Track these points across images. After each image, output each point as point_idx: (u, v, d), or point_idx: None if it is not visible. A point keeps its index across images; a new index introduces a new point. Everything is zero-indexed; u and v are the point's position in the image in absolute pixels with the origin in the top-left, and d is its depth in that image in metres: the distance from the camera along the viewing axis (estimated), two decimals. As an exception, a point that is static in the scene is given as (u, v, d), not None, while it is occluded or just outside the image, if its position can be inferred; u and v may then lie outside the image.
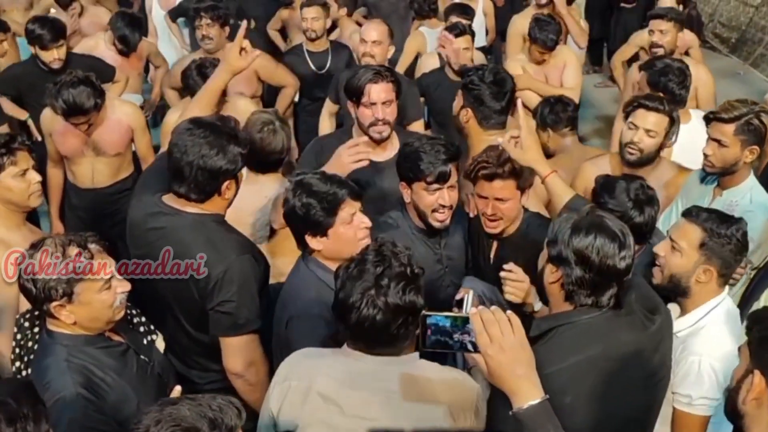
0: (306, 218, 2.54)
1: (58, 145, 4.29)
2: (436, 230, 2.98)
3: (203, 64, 4.26)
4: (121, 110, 4.26)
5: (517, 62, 5.38)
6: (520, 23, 6.22)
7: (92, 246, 2.25)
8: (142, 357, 2.43)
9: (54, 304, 2.21)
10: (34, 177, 3.02)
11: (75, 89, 3.89)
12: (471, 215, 3.11)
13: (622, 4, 8.67)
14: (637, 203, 2.84)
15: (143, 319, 2.76)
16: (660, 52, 4.75)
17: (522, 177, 2.91)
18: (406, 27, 6.86)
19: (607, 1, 8.96)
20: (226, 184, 2.66)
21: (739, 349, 1.90)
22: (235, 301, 2.62)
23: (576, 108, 4.22)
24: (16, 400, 1.70)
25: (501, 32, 8.62)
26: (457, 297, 2.74)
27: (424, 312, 1.77)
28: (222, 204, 2.72)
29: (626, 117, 3.53)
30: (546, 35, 5.10)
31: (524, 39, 6.12)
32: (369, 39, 4.65)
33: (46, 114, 4.29)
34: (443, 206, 2.91)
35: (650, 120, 3.42)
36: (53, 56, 4.73)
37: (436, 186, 2.86)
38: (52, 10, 6.42)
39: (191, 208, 2.68)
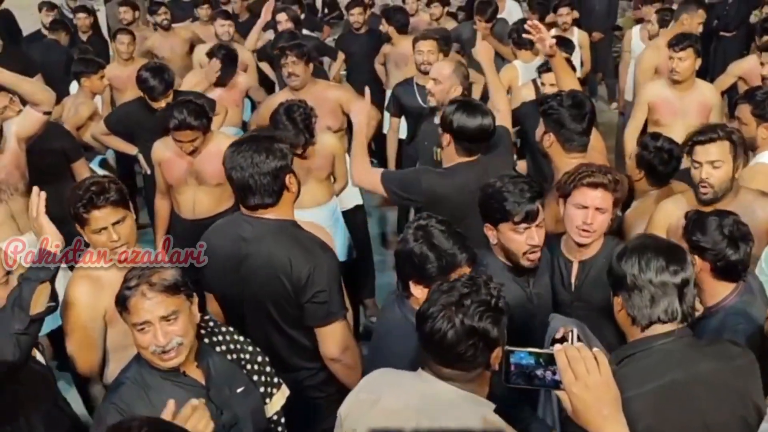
0: (420, 268, 2.57)
1: (165, 174, 4.55)
2: (525, 269, 2.96)
3: (291, 107, 4.34)
4: (225, 142, 4.38)
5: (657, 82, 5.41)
6: (649, 56, 6.17)
7: (144, 288, 2.31)
8: (211, 403, 2.38)
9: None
10: (111, 236, 2.88)
11: (186, 108, 4.22)
12: None
13: (722, 33, 8.47)
14: (731, 240, 2.71)
15: (268, 368, 2.71)
16: None
17: (619, 191, 2.99)
18: (500, 62, 6.91)
19: (707, 32, 8.78)
20: (287, 178, 2.89)
21: None
22: (326, 290, 2.83)
23: (680, 159, 3.83)
24: None
25: (596, 67, 8.66)
26: (557, 336, 2.66)
27: (507, 348, 1.74)
28: (291, 199, 2.94)
29: (689, 154, 3.40)
30: None
31: (656, 71, 6.06)
32: (430, 76, 4.72)
33: (157, 144, 4.60)
34: (534, 246, 2.87)
35: (711, 152, 3.27)
36: (160, 105, 5.03)
37: (524, 226, 2.84)
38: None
39: (269, 215, 2.89)
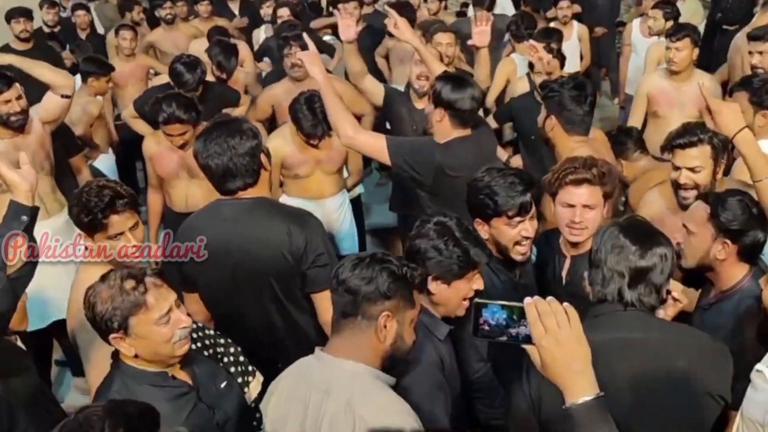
0: (442, 264, 2.52)
1: (156, 168, 4.55)
2: (515, 261, 2.93)
3: (312, 97, 4.34)
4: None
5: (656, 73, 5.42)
6: (653, 50, 6.22)
7: (149, 280, 2.24)
8: (202, 403, 2.37)
9: (112, 336, 2.22)
10: (129, 240, 2.81)
11: (176, 101, 4.20)
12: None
13: (725, 26, 8.39)
14: (760, 220, 2.64)
15: (241, 358, 2.69)
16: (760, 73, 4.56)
17: (608, 183, 2.91)
18: (498, 56, 6.89)
19: (711, 27, 8.71)
20: (261, 156, 2.88)
21: None
22: (325, 253, 2.85)
23: (641, 130, 4.11)
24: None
25: (599, 62, 8.62)
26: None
27: (477, 300, 1.72)
28: (266, 177, 2.94)
29: (669, 155, 3.34)
30: None
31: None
32: (441, 42, 4.80)
33: (148, 139, 4.62)
34: (526, 238, 2.85)
35: (690, 157, 3.18)
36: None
37: (518, 219, 2.81)
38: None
39: (248, 195, 2.88)
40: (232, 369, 2.62)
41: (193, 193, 4.47)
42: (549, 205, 3.40)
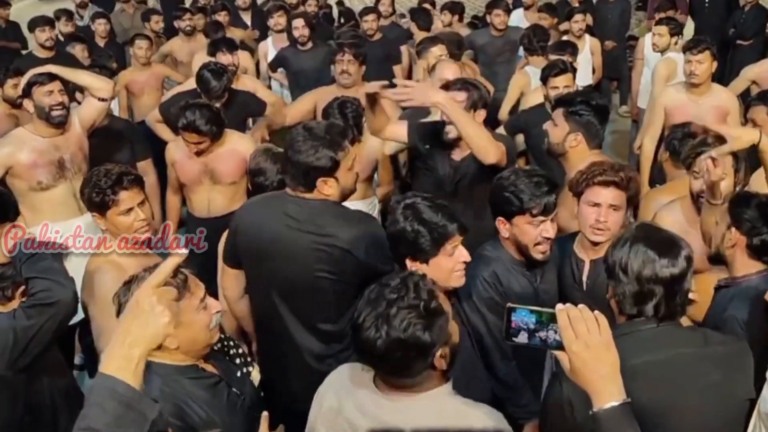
0: (413, 244, 2.58)
1: (179, 174, 4.59)
2: (534, 263, 2.98)
3: (345, 103, 4.40)
4: (238, 142, 4.53)
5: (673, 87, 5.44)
6: (663, 66, 6.25)
7: (185, 270, 2.29)
8: (234, 390, 2.43)
9: None
10: (139, 215, 3.06)
11: (200, 111, 4.24)
12: None
13: (738, 42, 8.45)
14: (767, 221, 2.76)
15: (240, 350, 2.76)
16: None
17: (632, 189, 3.00)
18: (512, 69, 6.93)
19: (722, 40, 8.76)
20: (320, 180, 2.85)
21: None
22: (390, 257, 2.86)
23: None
24: None
25: (610, 76, 8.67)
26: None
27: (510, 304, 1.75)
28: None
29: (688, 168, 3.42)
30: None
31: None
32: (447, 78, 4.62)
33: (170, 145, 4.69)
34: (547, 239, 2.90)
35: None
36: (216, 105, 4.83)
37: (541, 218, 2.87)
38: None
39: (309, 195, 2.90)
40: (237, 360, 2.70)
41: (215, 198, 4.52)
42: (562, 212, 3.45)
